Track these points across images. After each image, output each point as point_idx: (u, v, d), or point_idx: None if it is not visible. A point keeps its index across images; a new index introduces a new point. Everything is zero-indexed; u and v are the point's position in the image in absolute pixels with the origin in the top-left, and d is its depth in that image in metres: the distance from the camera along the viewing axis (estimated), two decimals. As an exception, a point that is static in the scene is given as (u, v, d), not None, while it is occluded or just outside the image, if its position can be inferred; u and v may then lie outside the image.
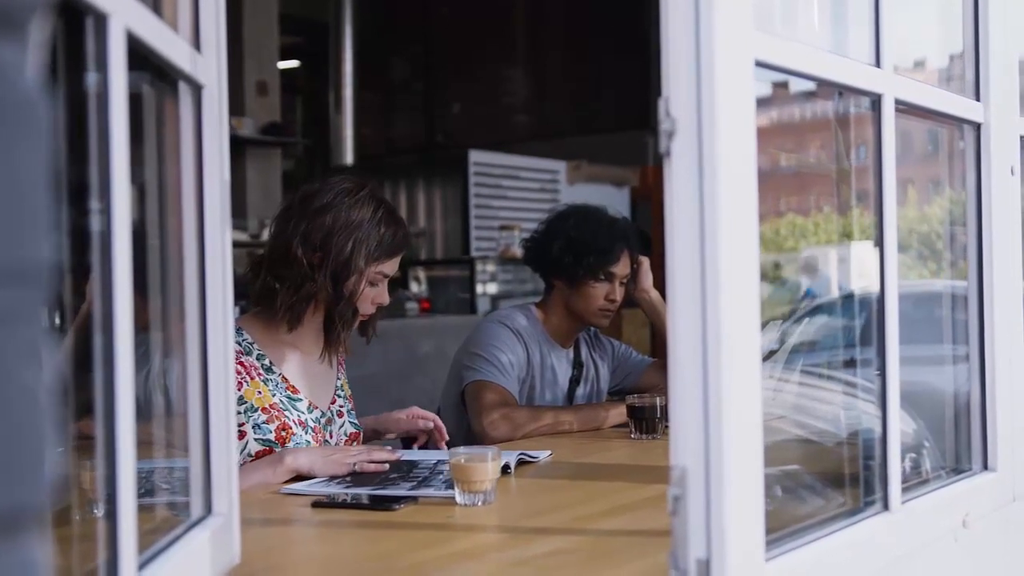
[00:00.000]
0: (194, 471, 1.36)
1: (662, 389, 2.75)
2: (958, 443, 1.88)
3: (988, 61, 1.81)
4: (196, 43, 1.34)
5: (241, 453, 2.18)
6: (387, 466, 2.16)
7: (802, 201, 2.01)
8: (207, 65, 1.35)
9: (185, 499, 1.37)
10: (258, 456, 2.20)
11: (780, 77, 1.38)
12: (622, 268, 2.97)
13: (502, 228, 8.03)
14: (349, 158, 8.78)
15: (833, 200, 1.85)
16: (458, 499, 1.86)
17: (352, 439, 2.43)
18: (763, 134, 1.27)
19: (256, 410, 2.23)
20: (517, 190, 8.53)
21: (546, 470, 2.29)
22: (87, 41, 0.98)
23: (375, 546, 1.66)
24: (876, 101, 1.52)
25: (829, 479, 1.68)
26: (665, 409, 2.56)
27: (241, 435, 2.18)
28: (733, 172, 1.15)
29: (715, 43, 1.13)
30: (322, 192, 2.29)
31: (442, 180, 8.78)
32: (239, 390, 2.19)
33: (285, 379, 2.31)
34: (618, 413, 2.80)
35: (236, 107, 7.40)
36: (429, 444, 2.51)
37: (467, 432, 2.84)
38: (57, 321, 1.26)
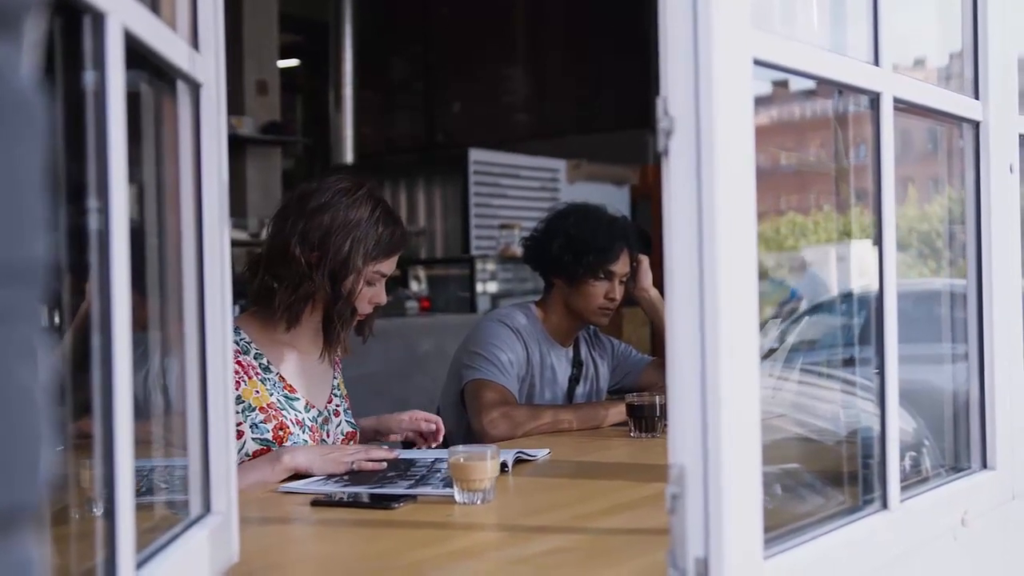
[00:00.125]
0: (193, 470, 1.36)
1: (661, 388, 2.75)
2: (957, 441, 1.88)
3: (987, 59, 1.81)
4: (194, 42, 1.34)
5: (239, 452, 2.18)
6: (385, 465, 2.16)
7: (802, 200, 2.01)
8: (205, 64, 1.35)
9: (184, 498, 1.37)
10: (256, 455, 2.20)
11: (780, 76, 1.38)
12: (622, 267, 2.97)
13: (502, 227, 8.02)
14: (349, 157, 8.78)
15: (833, 199, 1.85)
16: (457, 498, 1.86)
17: (349, 438, 2.43)
18: (763, 133, 1.27)
19: (254, 409, 2.23)
20: (517, 189, 8.52)
21: (545, 468, 2.29)
22: (84, 40, 0.98)
23: (374, 545, 1.66)
24: (875, 100, 1.52)
25: (828, 477, 1.68)
26: (664, 408, 2.56)
27: (239, 435, 2.18)
28: (731, 171, 1.15)
29: (713, 42, 1.13)
30: (320, 191, 2.29)
31: (442, 179, 8.77)
32: (236, 389, 2.19)
33: (282, 378, 2.31)
34: (617, 412, 2.80)
35: (236, 106, 7.40)
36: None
37: (467, 430, 2.84)
38: (56, 320, 1.26)
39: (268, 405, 2.25)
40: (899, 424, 1.57)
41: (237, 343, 2.25)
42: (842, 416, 1.88)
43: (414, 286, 7.52)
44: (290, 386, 2.31)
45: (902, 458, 1.63)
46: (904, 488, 1.56)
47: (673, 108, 1.15)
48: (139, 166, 1.28)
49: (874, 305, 1.55)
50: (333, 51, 8.83)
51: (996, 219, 1.83)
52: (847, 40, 1.69)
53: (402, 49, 10.77)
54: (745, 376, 1.19)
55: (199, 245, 1.35)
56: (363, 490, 1.97)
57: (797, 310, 2.04)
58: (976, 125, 1.83)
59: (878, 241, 1.53)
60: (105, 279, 0.98)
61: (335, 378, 2.46)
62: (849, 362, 1.82)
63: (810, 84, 1.55)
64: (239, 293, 2.27)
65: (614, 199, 7.59)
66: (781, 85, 1.49)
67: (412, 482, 2.02)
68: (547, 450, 2.40)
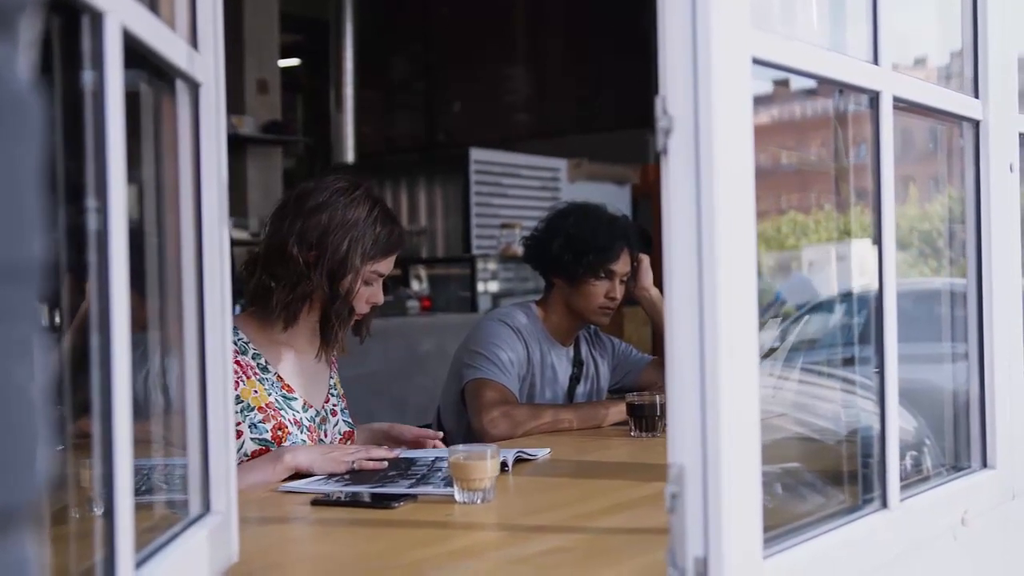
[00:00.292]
0: (192, 469, 1.36)
1: (662, 387, 2.74)
2: (957, 441, 1.88)
3: (987, 58, 1.81)
4: (193, 41, 1.34)
5: (238, 452, 2.18)
6: (386, 464, 2.16)
7: (803, 199, 2.00)
8: (204, 63, 1.35)
9: (183, 497, 1.37)
10: (255, 455, 2.20)
11: (780, 75, 1.37)
12: (622, 266, 2.97)
13: (503, 226, 8.02)
14: (350, 156, 8.78)
15: (834, 198, 1.85)
16: (457, 497, 1.86)
17: (346, 438, 2.43)
18: (764, 132, 1.27)
19: (252, 409, 2.23)
20: (518, 188, 8.52)
21: (545, 468, 2.29)
22: (83, 39, 0.98)
23: (374, 544, 1.66)
24: (874, 99, 1.52)
25: (828, 477, 1.68)
26: (665, 407, 2.56)
27: (238, 435, 2.18)
28: (730, 170, 1.15)
29: (712, 41, 1.13)
30: (317, 191, 2.29)
31: (443, 178, 8.77)
32: (235, 389, 2.19)
33: (280, 378, 2.31)
34: (618, 411, 2.80)
35: (237, 105, 7.40)
36: None
37: (467, 430, 2.84)
38: (57, 320, 1.26)
39: (267, 405, 2.25)
40: (899, 423, 1.57)
41: (235, 343, 2.25)
42: (842, 415, 1.88)
43: (415, 285, 7.52)
44: (288, 386, 2.31)
45: (903, 457, 1.63)
46: (904, 487, 1.56)
47: (672, 107, 1.15)
48: (138, 166, 1.28)
49: (874, 304, 1.55)
50: (334, 50, 8.83)
51: (996, 218, 1.83)
52: (847, 39, 1.69)
53: (403, 48, 10.77)
54: (744, 375, 1.19)
55: (198, 245, 1.35)
56: (364, 489, 1.97)
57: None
58: (976, 124, 1.83)
59: (878, 240, 1.53)
60: (104, 279, 0.98)
61: (332, 378, 2.46)
62: (849, 361, 1.82)
63: (811, 83, 1.55)
64: (239, 292, 2.28)
65: (615, 198, 7.59)
66: (782, 84, 1.49)
67: (413, 481, 2.02)
68: (547, 449, 2.40)
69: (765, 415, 1.25)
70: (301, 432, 2.29)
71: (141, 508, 1.19)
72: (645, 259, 3.08)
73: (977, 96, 1.83)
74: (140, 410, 1.21)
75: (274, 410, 2.26)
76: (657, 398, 2.63)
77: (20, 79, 0.56)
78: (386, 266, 2.34)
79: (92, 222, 0.99)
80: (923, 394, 1.92)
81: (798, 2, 1.77)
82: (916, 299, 1.89)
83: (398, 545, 1.65)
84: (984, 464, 1.83)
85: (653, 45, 1.17)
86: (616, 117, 9.42)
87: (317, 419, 2.36)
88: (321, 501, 1.91)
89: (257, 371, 2.28)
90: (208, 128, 1.35)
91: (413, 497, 1.90)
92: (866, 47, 1.52)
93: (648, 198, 7.87)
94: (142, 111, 1.27)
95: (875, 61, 1.52)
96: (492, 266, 7.56)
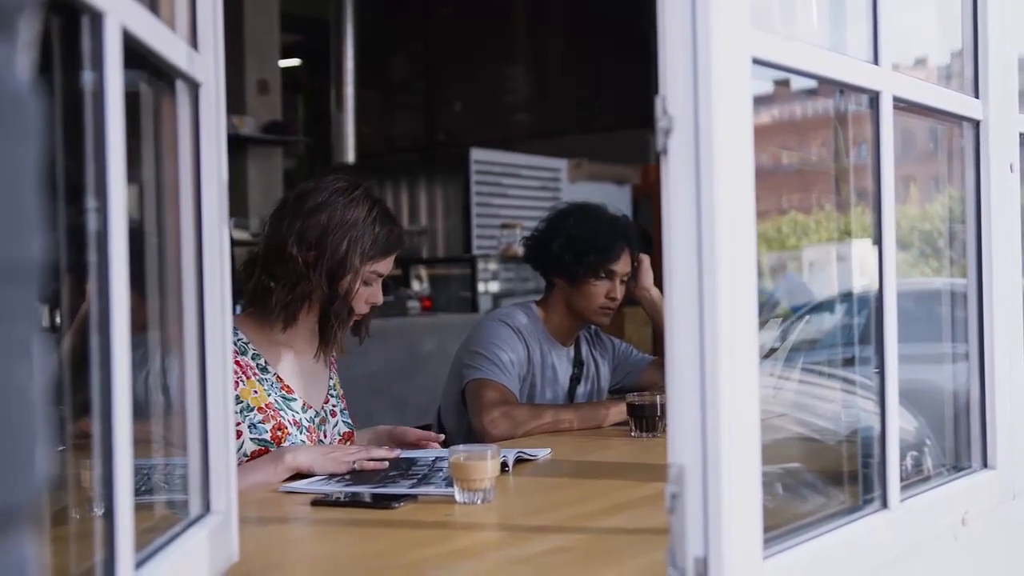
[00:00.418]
0: (192, 469, 1.36)
1: (662, 387, 2.73)
2: (958, 441, 1.88)
3: (987, 58, 1.81)
4: (193, 41, 1.34)
5: (237, 453, 2.18)
6: (387, 464, 2.16)
7: (804, 199, 2.00)
8: (204, 63, 1.35)
9: (184, 497, 1.37)
10: (254, 456, 2.20)
11: (781, 75, 1.37)
12: (622, 266, 2.97)
13: (503, 226, 8.02)
14: (350, 156, 8.77)
15: (835, 198, 1.85)
16: (457, 497, 1.86)
17: (345, 438, 2.43)
18: (765, 132, 1.27)
19: (252, 409, 2.23)
20: (518, 188, 8.52)
21: (546, 468, 2.29)
22: (83, 39, 0.98)
23: (374, 544, 1.66)
24: (874, 99, 1.52)
25: (829, 477, 1.68)
26: (665, 407, 2.56)
27: (237, 435, 2.18)
28: (730, 170, 1.15)
29: (712, 41, 1.13)
30: (316, 191, 2.29)
31: (443, 178, 8.77)
32: (235, 389, 2.19)
33: (279, 379, 2.31)
34: (618, 411, 2.80)
35: (237, 106, 7.40)
36: None
37: (467, 430, 2.84)
38: (57, 321, 1.26)
39: (266, 405, 2.25)
40: (900, 423, 1.57)
41: (235, 343, 2.25)
42: (843, 415, 1.88)
43: (416, 286, 7.52)
44: (287, 386, 2.31)
45: (903, 457, 1.63)
46: (904, 487, 1.56)
47: (672, 107, 1.15)
48: (138, 166, 1.28)
49: (874, 304, 1.55)
50: (334, 50, 8.82)
51: (996, 218, 1.83)
52: (847, 39, 1.69)
53: (403, 48, 10.77)
54: (744, 375, 1.18)
55: (199, 245, 1.35)
56: (365, 490, 1.97)
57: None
58: (976, 124, 1.83)
59: (878, 240, 1.53)
60: (104, 279, 0.98)
61: (331, 378, 2.46)
62: (850, 361, 1.82)
63: (811, 83, 1.55)
64: (238, 293, 2.28)
65: (615, 198, 7.59)
66: (782, 84, 1.49)
67: (414, 481, 2.02)
68: (548, 450, 2.40)
69: (765, 415, 1.25)
70: (300, 433, 2.29)
71: (141, 508, 1.19)
72: (645, 259, 3.08)
73: (977, 96, 1.82)
74: (140, 410, 1.21)
75: (273, 410, 2.26)
76: (658, 398, 2.63)
77: (19, 79, 0.56)
78: (385, 266, 2.34)
79: (92, 222, 0.99)
80: (924, 394, 1.92)
81: (798, 2, 1.77)
82: (917, 299, 1.89)
83: (398, 545, 1.65)
84: (984, 464, 1.83)
85: (653, 45, 1.17)
86: (616, 117, 9.42)
87: (316, 420, 2.36)
88: (321, 501, 1.91)
89: (257, 371, 2.28)
90: (208, 128, 1.35)
91: (413, 497, 1.90)
92: (866, 47, 1.52)
93: (649, 198, 7.87)
94: (142, 111, 1.27)
95: (875, 61, 1.52)
96: (493, 266, 7.56)
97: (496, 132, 9.78)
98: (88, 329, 1.00)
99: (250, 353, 2.29)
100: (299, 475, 2.11)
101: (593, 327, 3.14)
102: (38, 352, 0.58)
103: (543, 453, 2.36)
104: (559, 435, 2.71)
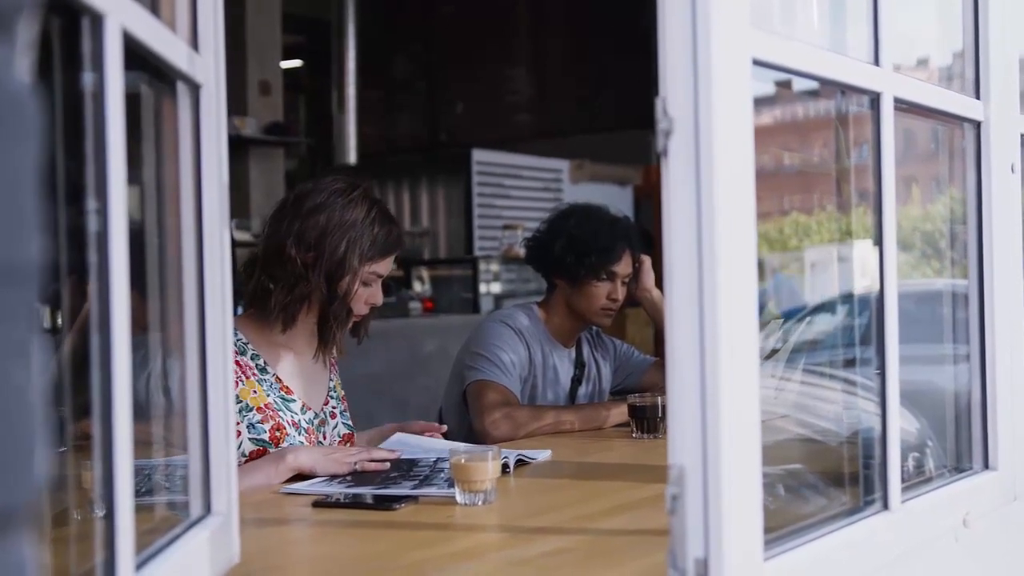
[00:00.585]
0: (193, 471, 1.36)
1: (664, 388, 2.74)
2: (959, 442, 1.88)
3: (988, 59, 1.81)
4: (194, 43, 1.34)
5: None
6: (388, 465, 2.16)
7: (806, 200, 2.00)
8: (205, 65, 1.35)
9: (184, 498, 1.37)
10: (253, 456, 2.20)
11: (783, 76, 1.37)
12: (624, 267, 2.97)
13: (505, 227, 8.02)
14: (352, 157, 8.77)
15: (836, 199, 1.85)
16: (458, 499, 1.86)
17: (345, 440, 2.43)
18: (767, 133, 1.27)
19: (251, 409, 2.23)
20: (520, 189, 8.53)
21: (547, 469, 2.29)
22: (83, 41, 0.98)
23: (375, 546, 1.66)
24: (875, 100, 1.52)
25: (830, 478, 1.68)
26: (666, 408, 2.56)
27: (236, 434, 2.18)
28: (730, 171, 1.15)
29: (712, 42, 1.13)
30: (315, 192, 2.30)
31: (445, 179, 8.78)
32: (234, 389, 2.19)
33: (279, 380, 2.31)
34: (619, 412, 2.80)
35: (239, 107, 7.40)
36: None
37: (468, 431, 2.84)
38: (59, 322, 1.27)
39: (265, 405, 2.26)
40: (902, 425, 1.57)
41: (234, 343, 2.25)
42: (844, 417, 1.88)
43: (417, 287, 7.52)
44: (287, 387, 2.31)
45: (905, 459, 1.63)
46: (905, 489, 1.55)
47: (672, 108, 1.15)
48: (139, 167, 1.28)
49: (875, 306, 1.55)
50: (336, 51, 8.83)
51: (998, 219, 1.83)
52: (848, 40, 1.69)
53: (404, 49, 10.77)
54: (745, 376, 1.18)
55: (199, 247, 1.35)
56: (367, 491, 1.97)
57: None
58: (977, 125, 1.83)
59: (879, 241, 1.52)
60: (104, 280, 0.98)
61: (331, 380, 2.46)
62: (851, 363, 1.82)
63: (813, 84, 1.55)
64: (239, 294, 2.28)
65: (617, 199, 7.60)
66: (784, 85, 1.49)
67: (416, 482, 2.02)
68: (548, 451, 2.40)
69: (767, 416, 1.25)
70: (299, 434, 2.29)
71: (142, 509, 1.19)
72: (647, 260, 3.08)
73: (978, 97, 1.82)
74: (141, 412, 1.21)
75: (272, 411, 2.26)
76: (659, 399, 2.63)
77: (18, 81, 0.56)
78: (384, 267, 2.34)
79: (93, 223, 0.99)
80: (925, 395, 1.92)
81: (799, 2, 1.77)
82: (918, 300, 1.89)
83: (399, 546, 1.65)
84: (986, 466, 1.83)
85: (654, 45, 1.17)
86: (618, 118, 9.42)
87: (316, 421, 2.36)
88: (322, 502, 1.91)
89: (256, 372, 2.28)
90: (209, 130, 1.35)
91: (414, 498, 1.90)
92: (867, 48, 1.52)
93: (650, 199, 7.87)
94: (143, 113, 1.28)
95: (876, 62, 1.52)
96: (494, 267, 7.55)
97: (498, 133, 9.78)
98: (89, 330, 1.00)
99: (249, 353, 2.29)
100: (300, 476, 2.11)
101: (594, 328, 3.14)
102: (37, 353, 0.58)
103: (543, 455, 2.36)
104: (560, 436, 2.71)
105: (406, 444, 2.40)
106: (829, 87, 1.57)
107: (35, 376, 0.57)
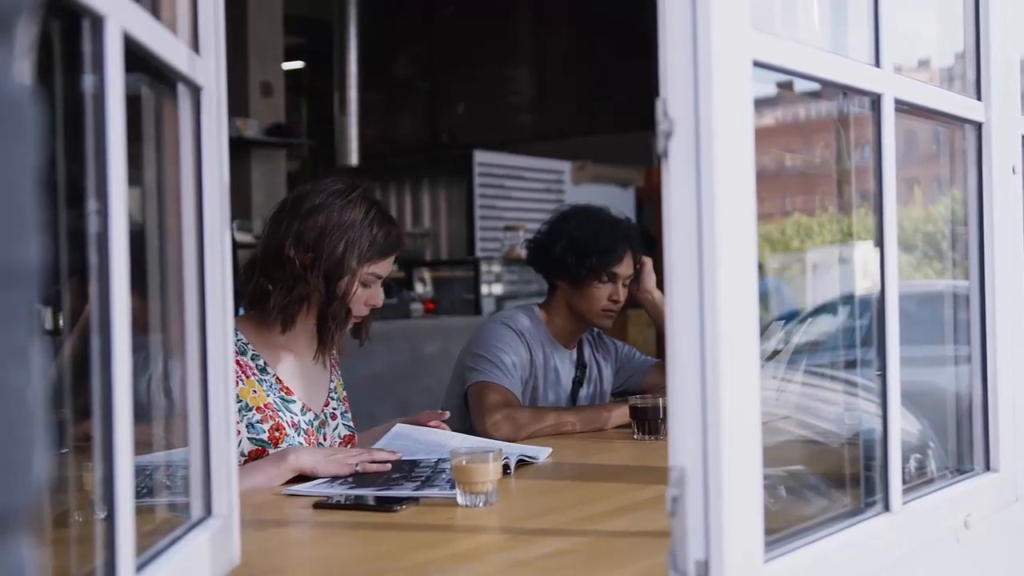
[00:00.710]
0: (194, 472, 1.37)
1: (665, 390, 2.74)
2: (960, 443, 1.88)
3: (989, 60, 1.81)
4: (195, 45, 1.34)
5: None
6: (389, 466, 2.16)
7: (808, 201, 2.00)
8: (206, 67, 1.35)
9: (185, 500, 1.37)
10: (252, 456, 2.20)
11: (784, 77, 1.37)
12: (625, 269, 2.97)
13: (507, 229, 8.03)
14: (354, 159, 8.78)
15: (838, 200, 1.85)
16: (459, 500, 1.86)
17: (346, 441, 2.43)
18: (769, 134, 1.27)
19: (251, 409, 2.23)
20: (522, 191, 8.53)
21: (548, 471, 2.29)
22: (84, 43, 0.98)
23: (376, 547, 1.66)
24: (876, 101, 1.52)
25: (831, 479, 1.68)
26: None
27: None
28: (731, 173, 1.15)
29: (712, 44, 1.12)
30: (314, 193, 2.30)
31: (447, 180, 8.78)
32: (234, 388, 2.19)
33: (279, 380, 2.31)
34: (621, 414, 2.80)
35: (241, 108, 7.41)
36: None
37: (469, 432, 2.83)
38: (60, 324, 1.27)
39: (265, 406, 2.26)
40: (904, 426, 1.56)
41: (235, 344, 2.25)
42: (845, 418, 1.88)
43: (419, 288, 7.52)
44: (287, 388, 2.32)
45: (906, 460, 1.63)
46: (907, 490, 1.55)
47: (672, 110, 1.14)
48: (140, 169, 1.29)
49: (876, 307, 1.54)
50: (337, 53, 8.83)
51: (999, 220, 1.83)
52: (849, 41, 1.69)
53: (405, 50, 10.77)
54: (745, 378, 1.18)
55: (200, 249, 1.35)
56: (368, 492, 1.97)
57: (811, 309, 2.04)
58: (978, 126, 1.82)
59: (879, 243, 1.52)
60: (104, 282, 0.98)
61: (332, 381, 2.46)
62: (852, 364, 1.82)
63: (815, 85, 1.55)
64: (241, 295, 2.28)
65: (619, 201, 7.60)
66: (786, 87, 1.49)
67: (418, 483, 2.02)
68: (549, 449, 2.40)
69: (768, 417, 1.25)
70: (298, 435, 2.29)
71: (142, 511, 1.19)
72: (648, 261, 3.07)
73: (980, 98, 1.82)
74: (142, 413, 1.21)
75: (272, 411, 2.26)
76: (660, 401, 2.63)
77: (17, 83, 0.56)
78: (383, 268, 2.34)
79: (93, 225, 0.99)
80: (927, 396, 1.92)
81: (800, 4, 1.77)
82: (920, 301, 1.89)
83: (400, 548, 1.65)
84: (987, 467, 1.83)
85: (655, 46, 1.17)
86: (620, 119, 9.41)
87: (316, 423, 2.36)
88: (323, 504, 1.91)
89: (256, 372, 2.28)
90: (209, 131, 1.36)
91: (415, 500, 1.90)
92: (867, 49, 1.52)
93: (652, 200, 7.86)
94: (144, 115, 1.28)
95: (877, 63, 1.52)
96: (496, 268, 7.56)
97: (499, 134, 9.78)
98: (90, 332, 1.00)
99: (250, 354, 2.29)
100: (301, 477, 2.11)
101: (596, 329, 3.14)
102: (37, 356, 0.58)
103: (544, 453, 2.36)
104: (561, 438, 2.71)
105: (406, 437, 2.40)
106: (830, 88, 1.57)
107: (34, 378, 0.57)
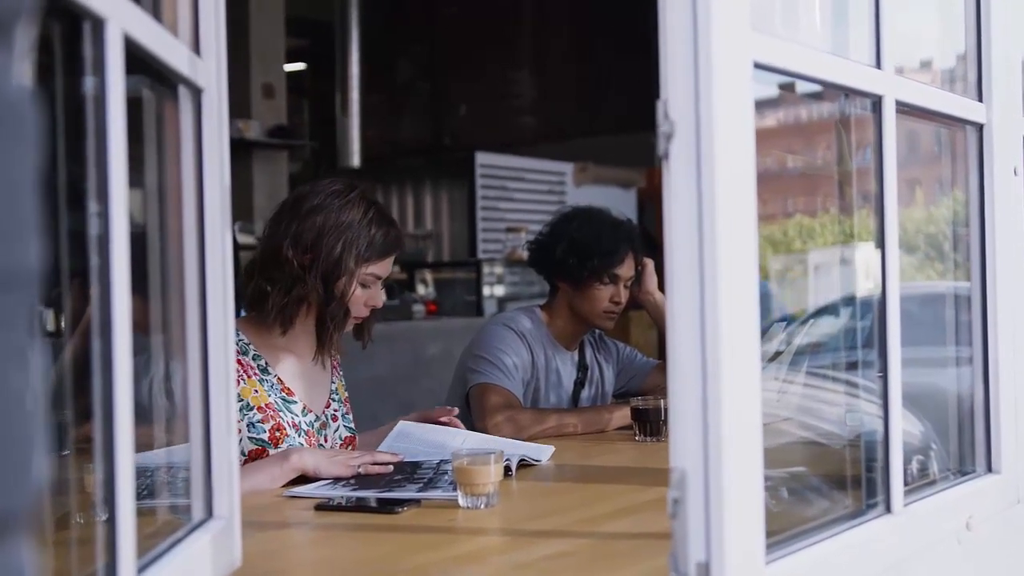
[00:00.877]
0: (195, 474, 1.37)
1: (666, 391, 2.74)
2: (962, 445, 1.87)
3: (990, 62, 1.81)
4: (196, 47, 1.34)
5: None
6: (391, 468, 2.16)
7: (809, 202, 2.00)
8: (207, 69, 1.35)
9: (187, 502, 1.37)
10: (252, 456, 2.20)
11: (786, 79, 1.37)
12: (626, 270, 2.97)
13: (509, 230, 8.03)
14: (356, 160, 8.79)
15: (840, 202, 1.85)
16: (461, 502, 1.86)
17: (347, 443, 2.43)
18: (771, 135, 1.27)
19: (252, 408, 2.24)
20: (524, 192, 8.53)
21: (549, 472, 2.29)
22: (84, 45, 0.98)
23: (377, 549, 1.66)
24: (877, 103, 1.52)
25: (833, 481, 1.68)
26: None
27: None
28: (731, 174, 1.15)
29: (712, 45, 1.12)
30: (312, 194, 2.30)
31: (448, 182, 8.79)
32: (235, 387, 2.19)
33: (280, 381, 2.31)
34: (622, 415, 2.80)
35: (243, 110, 7.41)
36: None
37: (472, 434, 2.84)
38: (62, 325, 1.27)
39: (266, 405, 2.26)
40: (906, 427, 1.56)
41: (236, 344, 2.25)
42: (847, 419, 1.88)
43: (421, 289, 7.52)
44: (288, 389, 2.32)
45: (908, 462, 1.63)
46: (908, 492, 1.55)
47: (673, 111, 1.14)
48: (141, 171, 1.29)
49: (878, 308, 1.54)
50: (339, 54, 8.83)
51: (1000, 222, 1.82)
52: (850, 43, 1.69)
53: (407, 51, 10.77)
54: (746, 379, 1.18)
55: (201, 251, 1.35)
56: (371, 494, 1.97)
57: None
58: (980, 128, 1.82)
59: (880, 244, 1.52)
60: (105, 283, 0.98)
61: (333, 382, 2.46)
62: (854, 365, 1.82)
63: (816, 86, 1.55)
64: (242, 296, 2.28)
65: (621, 202, 7.59)
66: (787, 88, 1.49)
67: (421, 485, 2.02)
68: (551, 448, 2.40)
69: (769, 419, 1.24)
70: (299, 435, 2.29)
71: (144, 513, 1.19)
72: (649, 263, 3.07)
73: (981, 100, 1.82)
74: (144, 415, 1.21)
75: (273, 411, 2.26)
76: (661, 402, 2.63)
77: (17, 86, 0.56)
78: (383, 268, 2.34)
79: (94, 227, 0.99)
80: (928, 398, 1.92)
81: (801, 5, 1.77)
82: (922, 303, 1.89)
83: (402, 550, 1.65)
84: (989, 469, 1.82)
85: (656, 48, 1.17)
86: (622, 120, 9.40)
87: (316, 424, 2.36)
88: (324, 506, 1.91)
89: (258, 372, 2.28)
90: (210, 133, 1.36)
91: (417, 502, 1.90)
92: (868, 51, 1.52)
93: (654, 201, 7.85)
94: (145, 117, 1.28)
95: (878, 65, 1.52)
96: (498, 270, 7.56)
97: (501, 136, 9.77)
98: (91, 333, 1.00)
99: (251, 354, 2.29)
100: (302, 478, 2.11)
101: (597, 331, 3.14)
102: (36, 358, 0.58)
103: (547, 452, 2.36)
104: (563, 439, 2.71)
105: (409, 436, 2.40)
106: (831, 89, 1.57)
107: (34, 381, 0.57)
